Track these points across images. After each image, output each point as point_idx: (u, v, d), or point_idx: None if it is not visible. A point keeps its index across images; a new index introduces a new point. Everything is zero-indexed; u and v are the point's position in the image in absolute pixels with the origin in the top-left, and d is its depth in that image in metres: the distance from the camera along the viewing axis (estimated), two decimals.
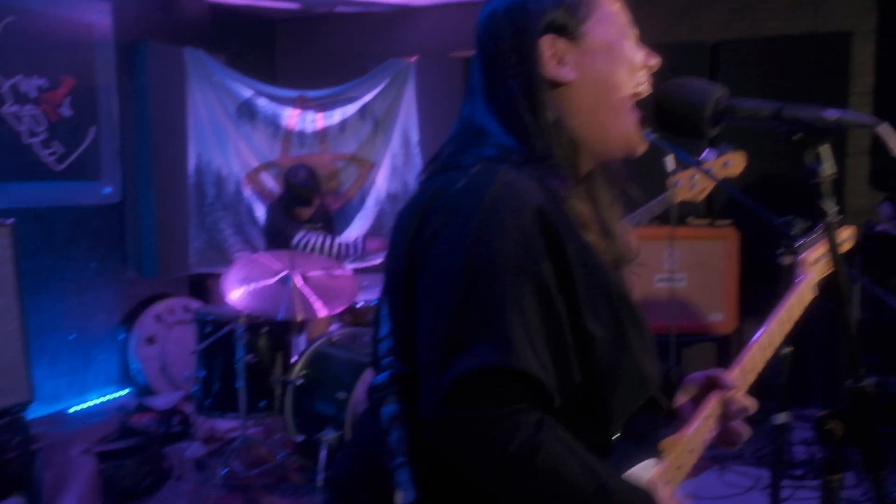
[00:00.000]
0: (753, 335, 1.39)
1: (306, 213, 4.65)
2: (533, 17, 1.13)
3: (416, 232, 1.06)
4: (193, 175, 5.30)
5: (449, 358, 0.96)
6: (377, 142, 5.54)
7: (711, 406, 1.23)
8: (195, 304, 5.18)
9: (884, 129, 1.06)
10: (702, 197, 2.64)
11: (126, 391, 4.95)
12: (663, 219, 4.49)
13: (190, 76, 5.17)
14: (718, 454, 4.06)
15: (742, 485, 3.74)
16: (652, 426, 1.20)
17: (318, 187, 4.68)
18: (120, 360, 4.97)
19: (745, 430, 1.24)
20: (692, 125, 1.15)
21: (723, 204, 4.81)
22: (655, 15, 5.03)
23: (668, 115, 1.17)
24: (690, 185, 2.60)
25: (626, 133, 1.17)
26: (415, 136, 5.49)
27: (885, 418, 3.88)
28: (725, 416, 1.24)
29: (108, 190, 4.77)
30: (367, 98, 5.50)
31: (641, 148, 1.20)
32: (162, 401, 4.61)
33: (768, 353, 1.36)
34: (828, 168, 1.10)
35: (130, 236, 4.98)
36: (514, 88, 1.12)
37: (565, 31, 1.13)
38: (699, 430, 1.21)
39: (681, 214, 4.52)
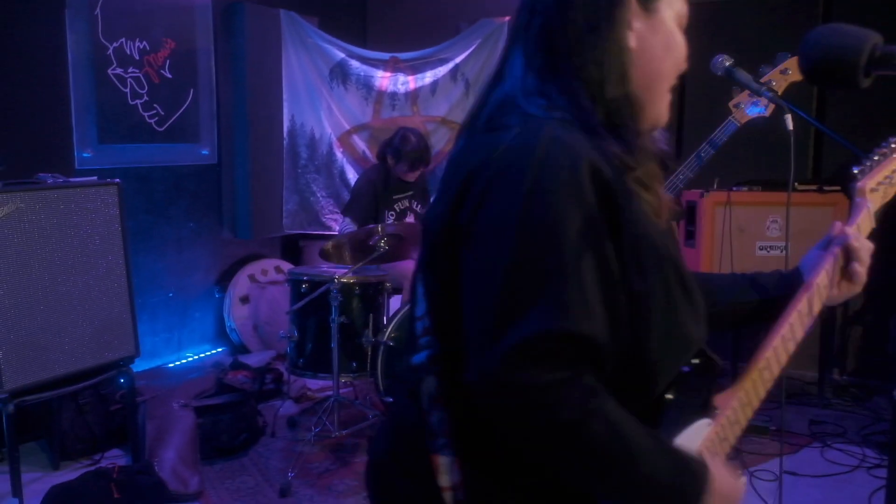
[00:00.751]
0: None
1: (413, 176, 4.50)
2: None
3: (458, 198, 1.02)
4: (287, 137, 5.36)
5: (504, 323, 0.92)
6: (468, 104, 5.46)
7: (799, 306, 1.23)
8: (287, 266, 5.29)
9: None
10: (769, 112, 2.57)
11: (221, 349, 5.11)
12: (767, 184, 4.29)
13: (285, 39, 5.21)
14: (819, 431, 3.89)
15: (847, 463, 3.57)
16: (706, 386, 1.15)
17: (429, 149, 4.58)
18: (216, 318, 5.13)
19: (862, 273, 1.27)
20: (846, 74, 1.05)
21: (833, 171, 4.55)
22: None
23: (820, 62, 1.07)
24: (751, 103, 2.55)
25: (657, 115, 1.15)
26: None
27: None
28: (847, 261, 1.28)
29: (205, 151, 4.88)
30: (459, 59, 5.43)
31: (665, 122, 1.18)
32: (255, 359, 4.73)
33: (824, 294, 1.29)
34: None
35: (226, 198, 5.09)
36: (578, 41, 1.06)
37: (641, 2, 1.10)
38: (782, 338, 1.21)
39: (785, 180, 4.31)
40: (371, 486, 1.21)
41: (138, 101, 4.43)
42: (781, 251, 4.30)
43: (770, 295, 1.33)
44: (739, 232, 4.19)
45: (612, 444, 0.94)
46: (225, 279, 5.15)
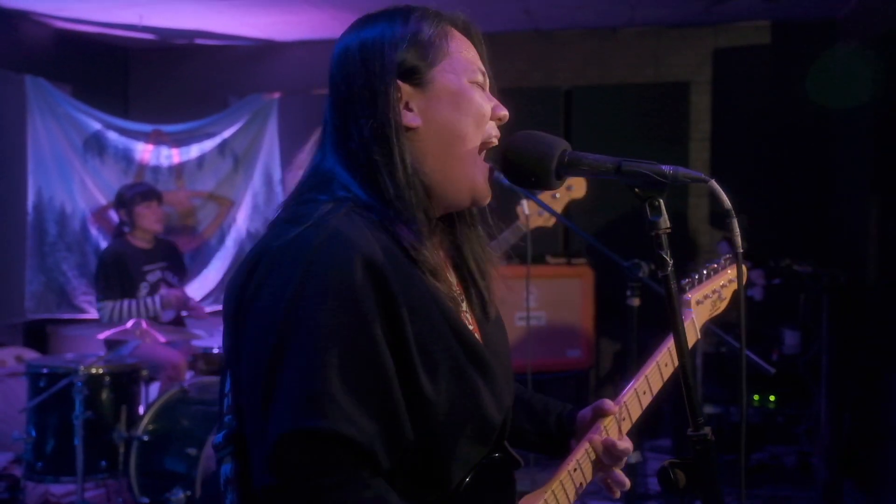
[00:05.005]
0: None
1: (151, 217, 4.09)
2: (387, 58, 1.09)
3: (243, 284, 1.04)
4: (33, 212, 4.93)
5: (265, 422, 0.95)
6: (237, 179, 5.37)
7: (580, 454, 1.24)
8: (31, 354, 4.77)
9: (714, 185, 1.10)
10: (552, 223, 2.71)
11: None
12: (522, 257, 4.62)
13: (31, 107, 4.83)
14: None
15: None
16: (505, 481, 1.18)
17: (155, 191, 4.20)
18: None
19: (624, 480, 1.26)
20: (539, 177, 1.16)
21: (579, 242, 4.98)
22: (512, 60, 5.20)
23: (515, 167, 1.17)
24: (539, 210, 2.65)
25: (472, 183, 1.15)
26: (277, 174, 5.37)
27: (726, 446, 4.12)
28: (606, 459, 1.25)
29: None
30: (227, 134, 5.34)
31: (488, 198, 1.19)
32: None
33: (646, 400, 1.34)
34: (664, 221, 1.12)
35: None
36: (367, 131, 1.08)
37: (414, 75, 1.11)
38: (563, 482, 1.22)
39: (538, 253, 4.67)
40: None
41: None
42: (538, 321, 4.61)
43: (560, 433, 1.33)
44: (501, 303, 4.45)
45: None
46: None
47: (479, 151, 1.16)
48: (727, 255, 1.48)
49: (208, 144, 5.33)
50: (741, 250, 1.13)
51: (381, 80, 1.09)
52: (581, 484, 1.25)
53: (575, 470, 1.24)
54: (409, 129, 1.10)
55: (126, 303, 3.96)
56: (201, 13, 4.78)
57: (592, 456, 1.25)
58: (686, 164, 5.03)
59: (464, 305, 1.18)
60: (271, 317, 0.97)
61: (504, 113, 1.19)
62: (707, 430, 1.14)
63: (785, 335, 4.07)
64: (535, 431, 1.32)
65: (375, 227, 1.04)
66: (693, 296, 1.44)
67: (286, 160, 5.31)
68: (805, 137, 4.81)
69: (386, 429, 0.98)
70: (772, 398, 4.08)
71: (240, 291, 1.03)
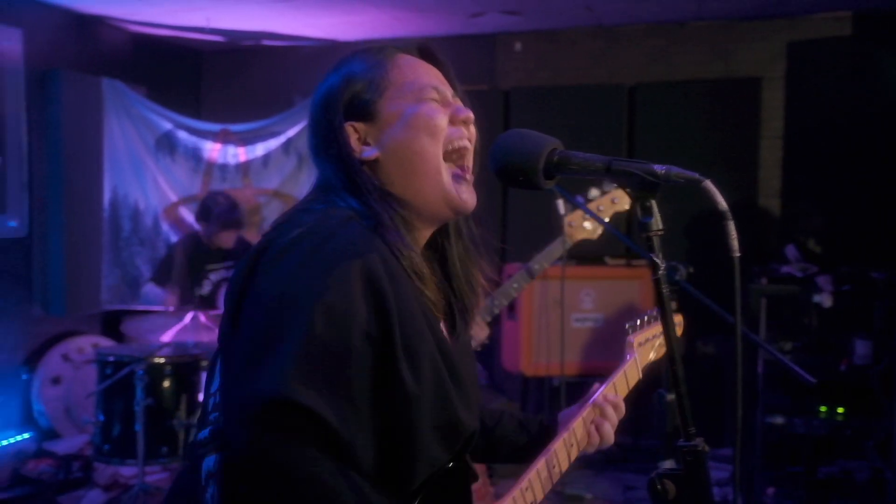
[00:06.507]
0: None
1: (228, 240, 4.35)
2: (332, 108, 1.20)
3: (245, 275, 1.09)
4: (108, 209, 5.14)
5: (251, 382, 1.00)
6: (301, 177, 5.47)
7: (544, 457, 1.32)
8: (106, 343, 5.00)
9: (709, 185, 1.04)
10: (597, 235, 2.66)
11: (28, 435, 4.72)
12: (579, 258, 4.53)
13: (107, 108, 5.05)
14: (634, 497, 4.05)
15: None
16: (461, 492, 1.20)
17: (240, 211, 4.47)
18: (22, 401, 4.74)
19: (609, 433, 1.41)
20: (526, 177, 1.13)
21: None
22: (574, 57, 5.12)
23: (502, 166, 1.14)
24: (582, 223, 2.62)
25: (443, 193, 1.20)
26: None
27: (791, 458, 3.94)
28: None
29: (12, 223, 4.59)
30: (291, 133, 5.44)
31: (470, 203, 1.22)
32: (65, 445, 4.40)
33: (579, 445, 1.40)
34: (656, 222, 1.08)
35: (37, 272, 4.78)
36: (331, 172, 1.19)
37: (363, 111, 1.20)
38: (525, 485, 1.28)
39: (598, 254, 4.58)
40: None
41: None
42: (595, 322, 4.52)
43: (533, 439, 1.42)
44: (556, 305, 4.37)
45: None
46: (34, 359, 4.79)
47: (446, 160, 1.20)
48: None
49: (273, 143, 5.45)
50: (738, 254, 1.07)
51: (332, 127, 1.19)
52: (557, 469, 1.34)
53: (554, 466, 1.33)
54: (368, 161, 1.20)
55: (162, 290, 4.14)
56: (266, 15, 4.90)
57: (571, 441, 1.36)
58: (756, 163, 4.85)
59: (441, 318, 1.22)
60: (270, 289, 1.04)
61: (466, 114, 1.22)
62: (699, 440, 1.10)
63: (856, 344, 3.86)
64: (524, 437, 1.40)
65: (371, 232, 1.12)
66: (636, 338, 1.55)
67: None
68: (886, 136, 4.53)
69: (353, 417, 1.03)
70: (840, 410, 3.88)
71: (242, 282, 1.09)
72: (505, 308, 4.65)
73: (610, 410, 1.42)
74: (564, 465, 1.36)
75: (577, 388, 4.46)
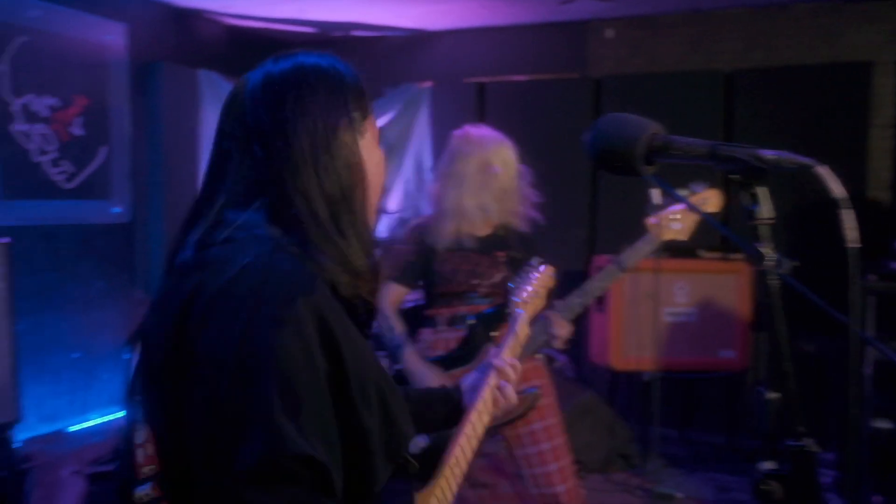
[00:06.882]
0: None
1: None
2: (342, 108, 1.12)
3: (182, 315, 1.03)
4: None
5: (230, 453, 0.94)
6: (389, 167, 5.52)
7: (464, 431, 1.48)
8: None
9: (823, 171, 0.98)
10: (686, 236, 2.56)
11: None
12: (674, 251, 4.40)
13: (204, 98, 5.21)
14: (726, 499, 3.91)
15: None
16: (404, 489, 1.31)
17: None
18: (124, 379, 4.97)
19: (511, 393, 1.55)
20: (625, 162, 1.09)
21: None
22: (670, 43, 4.96)
23: (600, 151, 1.10)
24: (669, 223, 2.51)
25: (371, 227, 1.15)
26: (427, 162, 5.46)
27: None
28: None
29: (117, 209, 4.81)
30: (381, 123, 5.49)
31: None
32: None
33: (488, 414, 1.55)
34: (765, 210, 1.02)
35: (140, 256, 5.00)
36: (310, 173, 1.08)
37: (357, 123, 1.13)
38: (453, 462, 1.45)
39: (692, 247, 4.43)
40: None
41: (46, 158, 4.36)
42: (688, 317, 4.39)
43: (444, 410, 1.53)
44: (647, 298, 4.26)
45: None
46: (136, 339, 5.00)
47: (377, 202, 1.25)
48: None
49: None
50: (856, 245, 1.00)
51: (332, 128, 1.16)
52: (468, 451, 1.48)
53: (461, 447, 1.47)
54: None
55: None
56: (356, 6, 4.95)
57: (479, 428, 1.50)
58: (865, 153, 4.58)
59: None
60: (224, 350, 0.97)
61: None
62: (809, 440, 1.03)
63: None
64: (443, 410, 1.52)
65: (304, 265, 1.04)
66: (520, 296, 1.85)
67: (437, 148, 5.39)
68: None
69: (335, 456, 1.00)
70: None
71: (178, 326, 1.03)
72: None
73: (510, 372, 1.55)
74: (480, 432, 1.50)
75: (669, 384, 4.36)
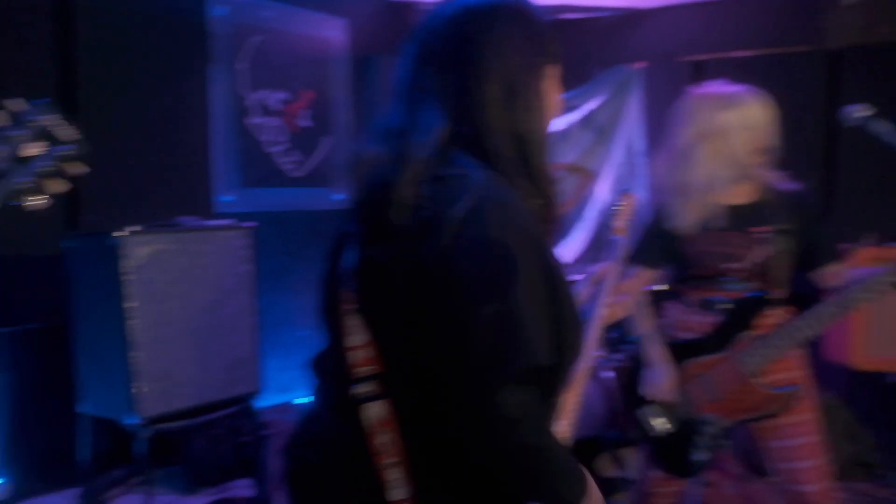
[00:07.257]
0: None
1: None
2: (539, 46, 1.23)
3: (420, 237, 1.09)
4: None
5: (500, 354, 1.04)
6: (599, 151, 5.39)
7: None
8: None
9: None
10: None
11: None
12: None
13: None
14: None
15: None
16: None
17: None
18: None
19: None
20: None
21: None
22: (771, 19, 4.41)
23: None
24: None
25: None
26: (640, 145, 5.27)
27: None
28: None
29: (338, 196, 5.08)
30: (591, 106, 5.37)
31: None
32: None
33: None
34: None
35: None
36: (508, 99, 1.18)
37: (551, 61, 1.24)
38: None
39: None
40: (307, 493, 1.25)
41: (278, 149, 4.69)
42: None
43: None
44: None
45: (555, 462, 1.10)
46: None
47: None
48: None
49: (572, 117, 5.42)
50: None
51: (536, 64, 1.31)
52: None
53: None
54: None
55: None
56: None
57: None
58: None
59: None
60: (484, 266, 1.06)
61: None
62: None
63: None
64: None
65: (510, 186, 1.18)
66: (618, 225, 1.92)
67: (650, 130, 5.19)
68: None
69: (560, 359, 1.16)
70: None
71: (416, 251, 1.10)
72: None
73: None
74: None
75: None
